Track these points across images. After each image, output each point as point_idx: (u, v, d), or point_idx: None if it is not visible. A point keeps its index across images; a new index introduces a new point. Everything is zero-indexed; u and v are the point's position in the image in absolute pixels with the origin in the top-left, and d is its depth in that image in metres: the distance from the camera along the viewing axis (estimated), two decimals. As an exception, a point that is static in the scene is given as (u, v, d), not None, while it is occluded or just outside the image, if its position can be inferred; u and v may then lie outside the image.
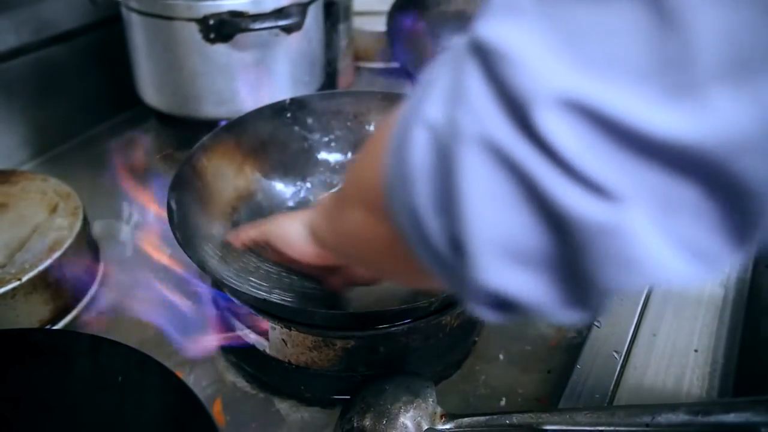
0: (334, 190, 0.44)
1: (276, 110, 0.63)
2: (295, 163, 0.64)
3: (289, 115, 0.64)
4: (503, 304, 0.19)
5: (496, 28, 0.17)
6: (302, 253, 0.41)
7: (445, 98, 0.19)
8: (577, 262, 0.17)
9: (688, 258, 0.16)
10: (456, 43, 0.20)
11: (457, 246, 0.19)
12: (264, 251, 0.48)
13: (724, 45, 0.15)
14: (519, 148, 0.16)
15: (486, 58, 0.17)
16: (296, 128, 0.64)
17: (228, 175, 0.60)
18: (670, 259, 0.16)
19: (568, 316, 0.19)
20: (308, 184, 0.65)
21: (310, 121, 0.65)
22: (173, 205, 0.50)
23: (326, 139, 0.66)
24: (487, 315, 0.20)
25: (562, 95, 0.16)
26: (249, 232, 0.49)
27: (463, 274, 0.19)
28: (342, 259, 0.38)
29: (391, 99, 0.65)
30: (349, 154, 0.66)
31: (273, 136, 0.63)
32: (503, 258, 0.18)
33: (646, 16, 0.15)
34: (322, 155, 0.66)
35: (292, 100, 0.64)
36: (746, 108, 0.15)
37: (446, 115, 0.18)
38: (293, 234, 0.42)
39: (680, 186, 0.16)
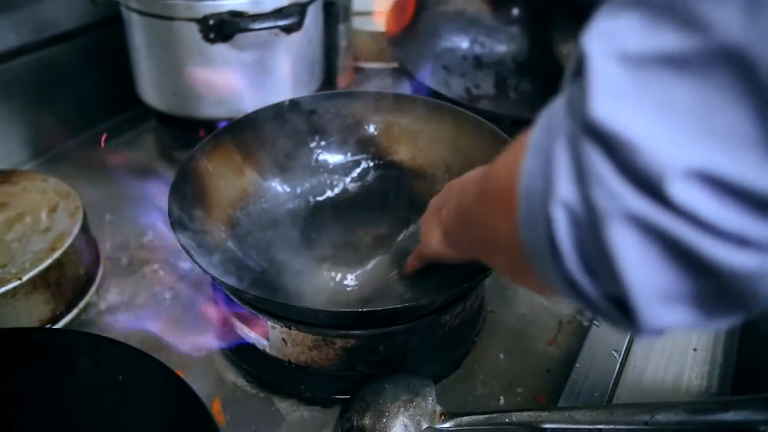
0: (444, 208, 0.43)
1: (275, 112, 0.63)
2: (295, 164, 0.65)
3: (288, 116, 0.64)
4: (665, 330, 0.23)
5: (604, 112, 0.20)
6: (458, 260, 0.44)
7: (573, 179, 0.21)
8: (727, 296, 0.20)
9: None
10: (558, 112, 0.23)
11: (615, 300, 0.22)
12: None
13: None
14: (662, 217, 0.19)
15: (607, 144, 0.20)
16: (295, 130, 0.64)
17: (228, 177, 0.60)
18: None
19: (718, 327, 0.23)
20: (308, 185, 0.65)
21: (309, 122, 0.65)
22: (174, 206, 0.50)
23: (325, 140, 0.66)
24: (649, 338, 0.25)
25: (687, 168, 0.18)
26: (415, 263, 0.51)
27: (627, 319, 0.22)
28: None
29: (390, 99, 0.65)
30: (348, 155, 0.66)
31: (272, 138, 0.63)
32: (662, 303, 0.21)
33: (744, 92, 0.17)
34: (322, 156, 0.66)
35: (291, 101, 0.64)
36: None
37: (580, 196, 0.21)
38: (442, 252, 0.45)
39: None
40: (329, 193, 0.65)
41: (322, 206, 0.64)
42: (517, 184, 0.24)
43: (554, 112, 0.23)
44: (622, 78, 0.19)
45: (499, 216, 0.28)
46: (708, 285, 0.20)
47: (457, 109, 0.63)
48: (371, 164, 0.66)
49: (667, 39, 0.19)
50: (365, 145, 0.66)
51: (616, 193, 0.20)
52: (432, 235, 0.45)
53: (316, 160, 0.65)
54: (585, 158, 0.21)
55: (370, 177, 0.66)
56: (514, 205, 0.24)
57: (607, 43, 0.20)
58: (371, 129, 0.66)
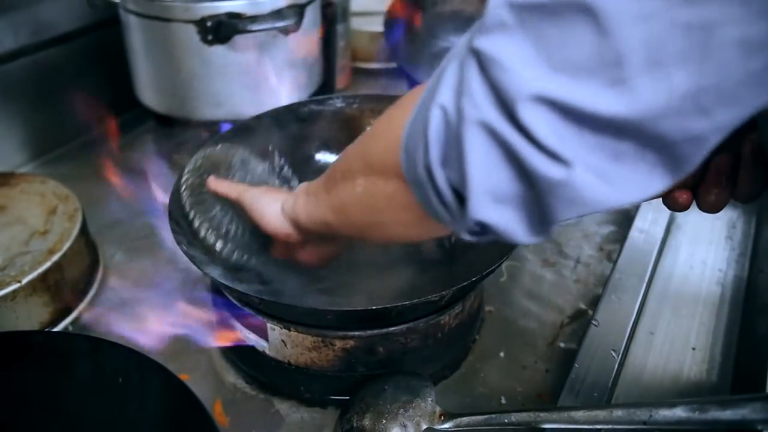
0: (312, 182, 0.46)
1: (273, 116, 0.63)
2: (293, 168, 0.65)
3: (285, 121, 0.64)
4: (485, 231, 0.28)
5: (490, 40, 0.25)
6: (272, 228, 0.48)
7: (453, 89, 0.27)
8: (540, 203, 0.26)
9: (621, 189, 0.25)
10: (461, 43, 0.28)
11: (456, 190, 0.28)
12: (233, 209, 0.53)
13: (644, 50, 0.22)
14: (505, 130, 0.25)
15: (483, 63, 0.25)
16: (293, 134, 0.64)
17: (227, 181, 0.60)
18: (605, 193, 0.25)
19: (529, 240, 0.28)
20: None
21: (306, 126, 0.65)
22: (174, 210, 0.50)
23: (323, 143, 0.66)
24: (470, 238, 0.29)
25: (536, 93, 0.24)
26: (229, 188, 0.53)
27: (459, 211, 0.28)
28: (324, 230, 0.44)
29: (386, 101, 0.65)
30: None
31: (271, 142, 0.63)
32: (491, 199, 0.27)
33: (591, 32, 0.23)
34: (320, 159, 0.66)
35: (288, 106, 0.64)
36: (660, 90, 0.22)
37: (454, 102, 0.27)
38: (268, 210, 0.48)
39: (624, 144, 0.24)
40: None
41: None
42: (415, 101, 0.30)
43: (456, 45, 0.29)
44: (507, 18, 0.25)
45: (395, 128, 0.33)
46: (527, 190, 0.26)
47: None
48: None
49: None
50: None
51: (479, 104, 0.25)
52: (268, 205, 0.48)
53: (315, 163, 0.65)
54: (465, 74, 0.26)
55: None
56: (405, 117, 0.31)
57: None
58: (366, 130, 0.66)
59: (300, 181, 0.64)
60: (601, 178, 0.24)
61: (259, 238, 0.59)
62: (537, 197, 0.25)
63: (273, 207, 0.47)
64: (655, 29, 0.22)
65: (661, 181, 0.25)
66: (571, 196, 0.25)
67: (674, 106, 0.22)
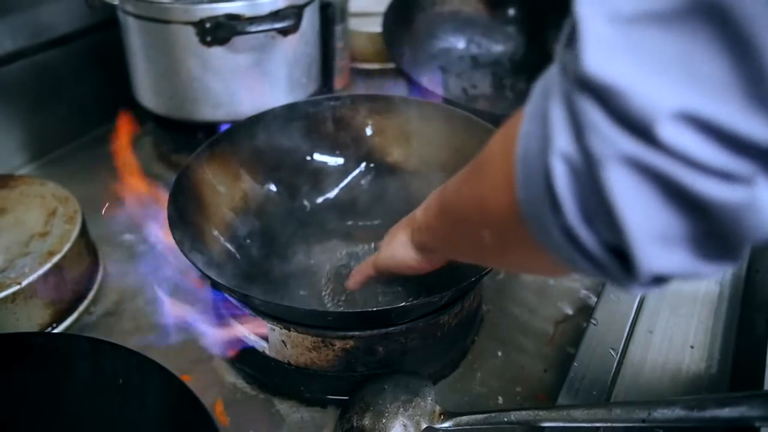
0: (423, 209, 0.43)
1: (269, 117, 0.63)
2: (291, 168, 0.65)
3: (282, 121, 0.64)
4: (661, 280, 0.23)
5: (596, 66, 0.21)
6: (417, 265, 0.45)
7: (569, 131, 0.22)
8: (721, 232, 0.21)
9: None
10: (553, 74, 0.24)
11: (613, 248, 0.23)
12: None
13: None
14: (655, 158, 0.20)
15: (599, 94, 0.21)
16: (290, 134, 0.65)
17: (225, 183, 0.60)
18: None
19: (714, 273, 0.24)
20: (303, 188, 0.65)
21: (303, 126, 0.65)
22: (173, 211, 0.50)
23: (320, 143, 0.66)
24: (646, 291, 0.25)
25: (673, 110, 0.20)
26: (363, 271, 0.51)
27: (622, 268, 0.23)
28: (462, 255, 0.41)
29: (381, 101, 0.65)
30: (343, 158, 0.66)
31: (268, 143, 0.63)
32: (660, 246, 0.22)
33: (721, 42, 0.19)
34: (317, 160, 0.66)
35: (285, 106, 0.64)
36: None
37: (577, 146, 0.22)
38: (404, 255, 0.45)
39: None
40: (325, 196, 0.65)
41: (318, 209, 0.64)
42: (515, 149, 0.25)
43: (548, 79, 0.24)
44: (612, 35, 0.21)
45: (494, 183, 0.28)
46: (699, 222, 0.21)
47: (448, 108, 0.63)
48: (366, 166, 0.66)
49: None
50: (360, 148, 0.66)
51: (609, 137, 0.21)
52: (395, 239, 0.45)
53: (312, 163, 0.66)
54: (579, 110, 0.22)
55: (365, 179, 0.66)
56: (511, 168, 0.25)
57: (596, 6, 0.21)
58: (364, 131, 0.66)
59: (296, 184, 0.65)
60: None
61: (261, 239, 0.60)
62: (716, 227, 0.21)
63: (407, 251, 0.44)
64: None
65: None
66: (759, 215, 0.20)
67: None
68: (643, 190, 0.21)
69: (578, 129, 0.22)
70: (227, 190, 0.60)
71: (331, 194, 0.65)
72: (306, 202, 0.64)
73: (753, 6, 0.18)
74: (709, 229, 0.21)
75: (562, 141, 0.22)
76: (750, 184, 0.20)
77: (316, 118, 0.65)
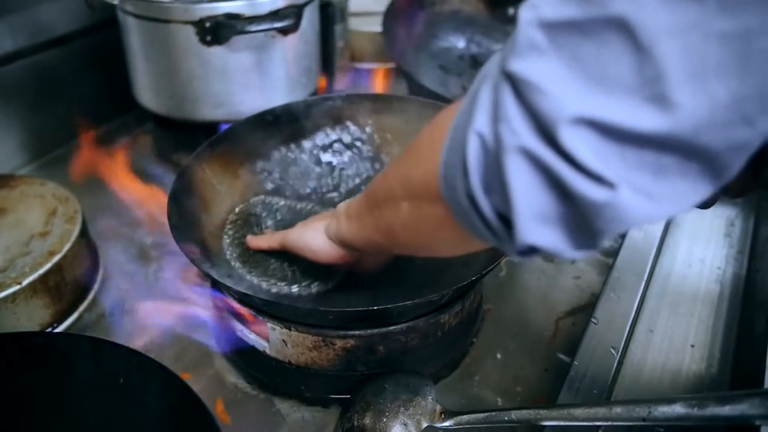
0: (348, 201, 0.47)
1: (268, 117, 0.63)
2: (289, 167, 0.65)
3: (281, 120, 0.64)
4: (534, 251, 0.28)
5: (523, 62, 0.25)
6: (326, 257, 0.49)
7: (489, 115, 0.27)
8: (585, 222, 0.25)
9: (664, 204, 0.25)
10: (492, 63, 0.28)
11: (502, 217, 0.28)
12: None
13: (683, 63, 0.22)
14: (547, 156, 0.25)
15: (517, 87, 0.25)
16: (289, 133, 0.65)
17: (225, 182, 0.60)
18: (649, 209, 0.24)
19: (577, 255, 0.27)
20: (302, 188, 0.65)
21: (302, 126, 0.65)
22: (173, 211, 0.50)
23: (319, 143, 0.66)
24: (521, 259, 0.29)
25: (576, 115, 0.24)
26: (268, 240, 0.54)
27: (507, 235, 0.28)
28: (374, 249, 0.46)
29: (381, 100, 0.65)
30: (343, 157, 0.66)
31: (267, 143, 0.63)
32: (538, 223, 0.26)
33: (628, 48, 0.23)
34: (316, 159, 0.66)
35: (284, 106, 0.64)
36: (702, 103, 0.22)
37: (491, 129, 0.26)
38: (315, 243, 0.49)
39: (666, 159, 0.24)
40: (325, 196, 0.65)
41: (318, 209, 0.64)
42: (450, 123, 0.30)
43: (488, 66, 0.28)
44: (540, 38, 0.24)
45: (425, 152, 0.33)
46: (572, 211, 0.25)
47: (446, 107, 0.63)
48: (366, 165, 0.66)
49: (576, 9, 0.24)
50: (359, 147, 0.66)
51: (517, 130, 0.25)
52: (309, 224, 0.50)
53: (311, 163, 0.66)
54: (500, 99, 0.26)
55: (365, 178, 0.66)
56: (443, 137, 0.30)
57: (532, 12, 0.25)
58: (365, 130, 0.66)
59: (294, 184, 0.65)
60: (644, 195, 0.24)
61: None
62: (582, 217, 0.25)
63: (319, 238, 0.48)
64: (692, 42, 0.22)
65: (703, 191, 0.24)
66: (615, 215, 0.24)
67: (717, 117, 0.22)
68: (532, 177, 0.25)
69: (495, 115, 0.26)
70: (227, 189, 0.60)
71: (331, 194, 0.65)
72: (306, 202, 0.64)
73: (653, 21, 0.22)
74: (578, 217, 0.25)
75: (481, 121, 0.27)
76: (614, 189, 0.24)
77: (316, 117, 0.65)
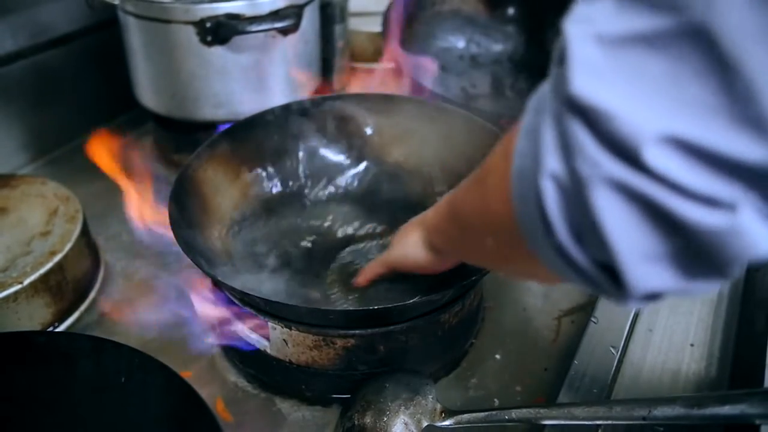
0: (429, 213, 0.44)
1: (269, 116, 0.63)
2: (290, 167, 0.65)
3: (282, 120, 0.64)
4: (656, 296, 0.24)
5: (584, 87, 0.21)
6: (431, 264, 0.45)
7: (558, 152, 0.23)
8: (707, 253, 0.21)
9: None
10: (544, 92, 0.24)
11: (603, 265, 0.24)
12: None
13: None
14: (637, 180, 0.21)
15: (585, 115, 0.22)
16: (290, 133, 0.65)
17: (226, 181, 0.60)
18: None
19: (710, 290, 0.24)
20: (303, 188, 0.65)
21: (303, 125, 0.65)
22: (174, 211, 0.50)
23: (320, 143, 0.66)
24: (641, 305, 0.26)
25: (659, 134, 0.20)
26: (373, 268, 0.50)
27: (615, 285, 0.24)
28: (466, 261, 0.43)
29: (382, 100, 0.65)
30: (343, 157, 0.66)
31: (268, 142, 0.63)
32: (648, 264, 0.22)
33: (708, 65, 0.19)
34: (317, 159, 0.66)
35: (285, 105, 0.64)
36: None
37: (565, 167, 0.23)
38: (417, 255, 0.45)
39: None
40: (326, 195, 0.65)
41: (319, 208, 0.64)
42: (510, 165, 0.26)
43: (541, 96, 0.25)
44: (600, 57, 0.21)
45: (494, 196, 0.29)
46: (683, 244, 0.21)
47: (447, 107, 0.63)
48: (366, 165, 0.66)
49: (640, 20, 0.20)
50: (360, 147, 0.66)
51: (596, 160, 0.21)
52: (407, 238, 0.46)
53: (312, 163, 0.66)
54: (568, 132, 0.22)
55: (365, 178, 0.66)
56: (508, 184, 0.26)
57: (585, 27, 0.22)
58: (364, 130, 0.66)
59: (296, 183, 0.65)
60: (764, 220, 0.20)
61: (262, 237, 0.60)
62: (701, 248, 0.21)
63: (419, 250, 0.45)
64: None
65: None
66: (739, 243, 0.20)
67: None
68: (628, 212, 0.21)
69: (567, 150, 0.22)
70: (228, 189, 0.61)
71: (332, 193, 0.65)
72: (306, 201, 0.64)
73: (738, 30, 0.19)
74: (694, 250, 0.21)
75: (551, 161, 0.23)
76: (733, 210, 0.20)
77: (316, 117, 0.66)
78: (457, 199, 0.38)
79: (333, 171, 0.66)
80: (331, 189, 0.66)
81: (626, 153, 0.21)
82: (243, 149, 0.62)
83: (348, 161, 0.66)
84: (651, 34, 0.20)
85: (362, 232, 0.62)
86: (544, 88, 0.25)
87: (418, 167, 0.64)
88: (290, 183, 0.65)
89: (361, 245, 0.60)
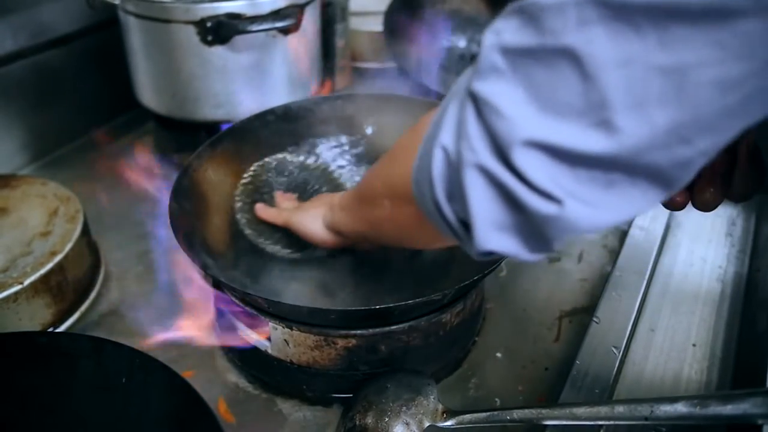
0: (342, 193, 0.52)
1: (268, 117, 0.63)
2: (290, 167, 0.65)
3: (281, 120, 0.64)
4: (492, 254, 0.31)
5: (485, 84, 0.27)
6: (322, 241, 0.54)
7: (453, 130, 0.29)
8: (537, 230, 0.28)
9: (612, 211, 0.27)
10: (461, 81, 0.30)
11: (464, 222, 0.31)
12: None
13: (625, 93, 0.24)
14: (502, 174, 0.27)
15: (479, 107, 0.28)
16: (289, 133, 0.65)
17: (226, 182, 0.60)
18: (598, 217, 0.27)
19: (532, 258, 0.30)
20: (302, 187, 0.65)
21: (302, 125, 0.65)
22: (174, 211, 0.50)
23: (320, 143, 0.66)
24: (481, 259, 0.32)
25: (528, 138, 0.26)
26: (275, 215, 0.58)
27: (468, 238, 0.31)
28: (363, 239, 0.51)
29: (382, 100, 0.65)
30: (343, 157, 0.66)
31: (267, 142, 0.63)
32: (493, 230, 0.29)
33: (576, 77, 0.25)
34: (317, 159, 0.66)
35: (284, 106, 0.64)
36: (643, 127, 0.24)
37: (454, 144, 0.29)
38: (313, 227, 0.54)
39: (615, 175, 0.26)
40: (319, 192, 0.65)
41: (324, 168, 0.64)
42: (423, 133, 0.33)
43: (458, 82, 0.31)
44: (500, 62, 0.27)
45: (403, 159, 0.36)
46: (525, 220, 0.28)
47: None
48: (367, 166, 0.66)
49: (532, 38, 0.26)
50: (360, 146, 0.66)
51: (476, 148, 0.28)
52: (310, 210, 0.54)
53: (311, 162, 0.66)
54: (463, 116, 0.28)
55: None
56: (417, 147, 0.33)
57: (495, 37, 0.27)
58: (365, 130, 0.66)
59: (295, 183, 0.65)
60: (593, 207, 0.26)
61: (261, 238, 0.60)
62: (534, 226, 0.28)
63: (316, 223, 0.53)
64: (634, 73, 0.24)
65: (654, 199, 0.27)
66: (563, 225, 0.27)
67: (657, 140, 0.24)
68: (487, 191, 0.28)
69: (459, 131, 0.29)
70: (229, 188, 0.60)
71: (346, 191, 0.65)
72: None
73: (598, 53, 0.24)
74: (531, 226, 0.28)
75: (446, 136, 0.30)
76: (561, 204, 0.26)
77: (317, 117, 0.65)
78: (365, 174, 0.46)
79: (333, 171, 0.66)
80: (331, 188, 0.65)
81: (500, 148, 0.27)
82: (243, 149, 0.62)
83: (346, 161, 0.66)
84: (538, 49, 0.26)
85: None
86: (463, 77, 0.30)
87: None
88: (291, 182, 0.65)
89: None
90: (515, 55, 0.26)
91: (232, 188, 0.61)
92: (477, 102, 0.27)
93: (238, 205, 0.61)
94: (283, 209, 0.59)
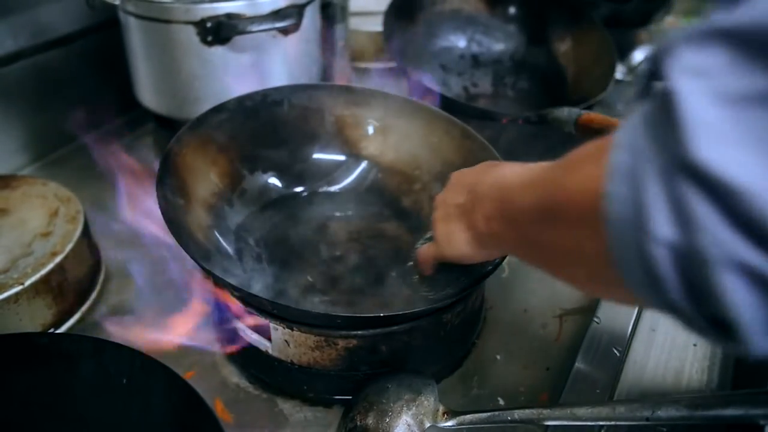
0: (481, 213, 0.42)
1: (243, 103, 0.62)
2: (273, 153, 0.64)
3: (256, 107, 0.63)
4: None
5: (708, 157, 0.19)
6: (471, 259, 0.45)
7: (672, 221, 0.21)
8: None
9: None
10: (636, 133, 0.22)
11: (717, 322, 0.22)
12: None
13: None
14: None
15: (710, 189, 0.20)
16: (265, 120, 0.63)
17: (204, 169, 0.58)
18: None
19: None
20: (301, 181, 0.65)
21: (278, 113, 0.64)
22: (167, 207, 0.50)
23: (296, 133, 0.65)
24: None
25: None
26: (429, 260, 0.50)
27: (725, 339, 0.23)
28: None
29: (360, 94, 0.65)
30: (321, 149, 0.66)
31: (242, 130, 0.62)
32: (765, 331, 0.21)
33: None
34: (314, 155, 0.66)
35: (260, 92, 0.63)
36: None
37: (683, 240, 0.21)
38: (462, 249, 0.44)
39: None
40: (320, 189, 0.65)
41: (314, 202, 0.64)
42: (602, 209, 0.24)
43: (635, 134, 0.23)
44: (722, 119, 0.19)
45: (583, 235, 0.27)
46: None
47: (428, 107, 0.64)
48: (342, 158, 0.66)
49: (761, 78, 0.19)
50: (335, 139, 0.66)
51: (724, 242, 0.20)
52: (456, 238, 0.45)
53: (308, 158, 0.65)
54: (685, 200, 0.20)
55: (340, 171, 0.66)
56: (601, 228, 0.24)
57: (700, 81, 0.20)
58: (341, 122, 0.66)
59: (271, 173, 0.64)
60: None
61: (251, 233, 0.60)
62: None
63: (472, 251, 0.44)
64: None
65: None
66: None
67: None
68: (756, 293, 0.20)
69: (683, 221, 0.21)
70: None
71: (324, 187, 0.65)
72: (302, 193, 0.64)
73: None
74: None
75: (664, 229, 0.21)
76: None
77: (293, 105, 0.64)
78: (514, 213, 0.36)
79: (324, 165, 0.66)
80: (305, 181, 0.65)
81: (761, 237, 0.19)
82: (220, 135, 0.60)
83: (343, 158, 0.66)
84: None
85: (335, 225, 0.61)
86: (636, 124, 0.23)
87: (392, 163, 0.64)
88: (283, 175, 0.64)
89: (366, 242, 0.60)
90: (741, 104, 0.19)
91: (216, 175, 0.60)
92: (701, 179, 0.20)
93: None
94: (426, 246, 0.51)
